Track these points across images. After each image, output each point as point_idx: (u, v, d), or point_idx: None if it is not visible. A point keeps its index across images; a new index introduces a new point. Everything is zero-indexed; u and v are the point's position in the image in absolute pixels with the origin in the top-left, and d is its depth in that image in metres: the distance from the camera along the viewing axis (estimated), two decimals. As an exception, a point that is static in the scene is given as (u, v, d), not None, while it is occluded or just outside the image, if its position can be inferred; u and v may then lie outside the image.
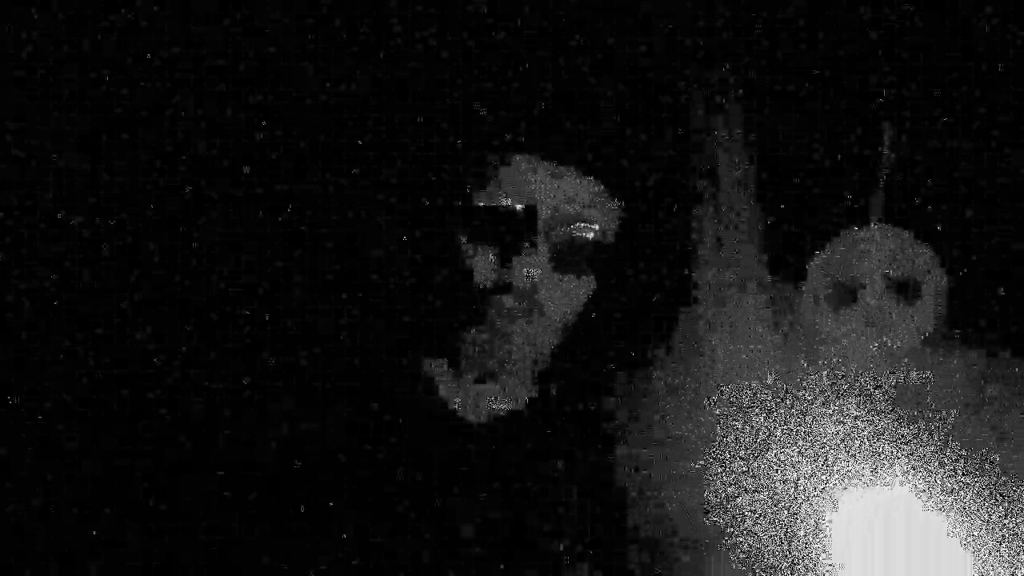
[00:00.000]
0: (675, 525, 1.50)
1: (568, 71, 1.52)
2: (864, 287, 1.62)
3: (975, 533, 1.50)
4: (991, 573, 1.49)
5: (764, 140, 1.63)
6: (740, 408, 1.56)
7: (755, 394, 1.57)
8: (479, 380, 1.53)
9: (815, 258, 1.65)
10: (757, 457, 1.54)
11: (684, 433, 1.53)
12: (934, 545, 1.50)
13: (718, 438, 1.54)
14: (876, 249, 1.62)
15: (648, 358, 1.57)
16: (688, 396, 1.56)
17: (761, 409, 1.56)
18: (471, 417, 1.53)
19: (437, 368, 1.54)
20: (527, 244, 1.50)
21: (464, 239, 1.52)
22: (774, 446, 1.55)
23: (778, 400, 1.58)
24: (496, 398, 1.54)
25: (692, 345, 1.58)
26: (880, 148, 1.64)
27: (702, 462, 1.52)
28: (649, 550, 1.51)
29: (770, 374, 1.59)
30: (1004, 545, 1.50)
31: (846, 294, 1.63)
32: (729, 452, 1.53)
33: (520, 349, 1.53)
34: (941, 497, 1.53)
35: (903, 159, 1.64)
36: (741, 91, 1.62)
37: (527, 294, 1.51)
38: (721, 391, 1.56)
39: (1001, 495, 1.54)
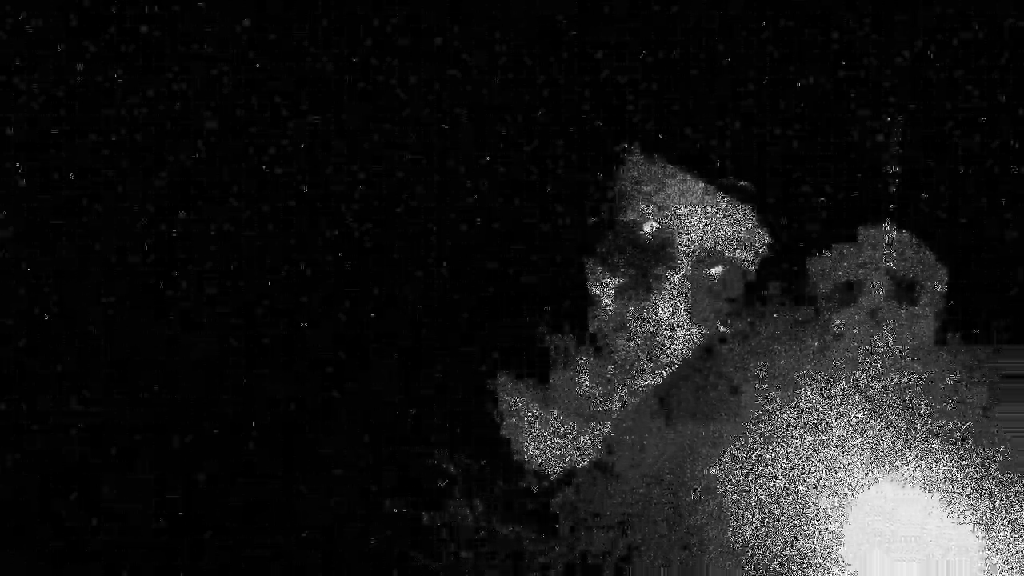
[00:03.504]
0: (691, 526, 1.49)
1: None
2: (865, 287, 1.62)
3: (977, 532, 1.50)
4: (994, 572, 1.48)
5: (765, 140, 1.63)
6: (743, 409, 1.55)
7: (759, 395, 1.57)
8: (564, 426, 1.38)
9: (815, 258, 1.64)
10: (760, 457, 1.54)
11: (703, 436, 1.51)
12: (936, 544, 1.50)
13: (725, 440, 1.53)
14: (876, 249, 1.62)
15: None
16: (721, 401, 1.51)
17: (764, 410, 1.56)
18: (550, 464, 1.41)
19: (520, 403, 1.40)
20: (659, 278, 1.30)
21: (590, 260, 1.33)
22: (776, 445, 1.55)
23: (780, 400, 1.58)
24: (579, 447, 1.40)
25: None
26: (883, 148, 1.64)
27: (714, 464, 1.51)
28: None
29: (772, 375, 1.59)
30: (1005, 544, 1.50)
31: (847, 294, 1.63)
32: (733, 452, 1.53)
33: (618, 398, 1.36)
34: (942, 496, 1.53)
35: (906, 159, 1.64)
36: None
37: (647, 340, 1.33)
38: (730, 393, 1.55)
39: (1003, 494, 1.54)
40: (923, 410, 1.60)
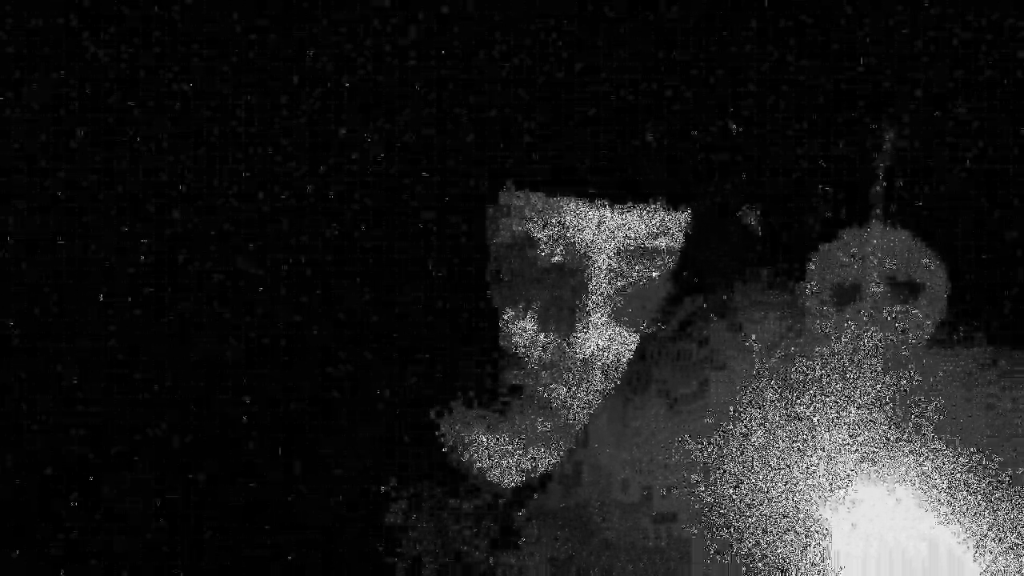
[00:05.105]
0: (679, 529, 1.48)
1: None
2: (864, 287, 1.62)
3: (976, 534, 1.50)
4: (992, 574, 1.48)
5: (764, 138, 1.63)
6: (739, 410, 1.55)
7: (754, 395, 1.57)
8: (513, 440, 1.36)
9: (815, 258, 1.64)
10: (756, 458, 1.54)
11: (688, 436, 1.51)
12: (935, 546, 1.50)
13: (718, 440, 1.53)
14: (876, 249, 1.62)
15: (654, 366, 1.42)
16: (694, 402, 1.51)
17: (760, 410, 1.56)
18: (502, 479, 1.40)
19: (463, 428, 1.40)
20: (579, 302, 1.24)
21: (500, 306, 1.28)
22: (773, 447, 1.55)
23: (777, 400, 1.58)
24: (534, 459, 1.38)
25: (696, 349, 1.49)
26: (881, 147, 1.64)
27: (703, 465, 1.51)
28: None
29: (769, 374, 1.59)
30: (1005, 546, 1.50)
31: (846, 294, 1.63)
32: (729, 454, 1.53)
33: (563, 410, 1.32)
34: (942, 498, 1.53)
35: (904, 158, 1.64)
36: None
37: (585, 365, 1.28)
38: (721, 393, 1.55)
39: (1003, 496, 1.54)
40: (922, 411, 1.59)
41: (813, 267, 1.64)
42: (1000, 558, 1.49)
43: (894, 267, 1.62)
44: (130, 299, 1.59)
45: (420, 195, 1.43)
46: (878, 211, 1.63)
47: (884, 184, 1.63)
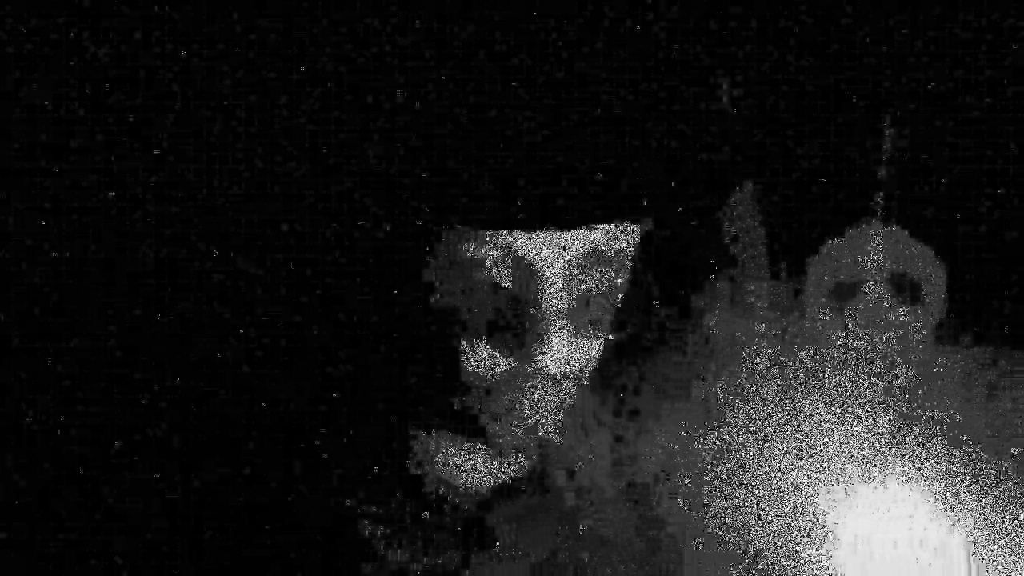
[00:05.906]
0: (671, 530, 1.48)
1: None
2: (864, 286, 1.62)
3: (976, 534, 1.50)
4: (993, 574, 1.48)
5: (763, 138, 1.63)
6: (738, 409, 1.55)
7: (753, 394, 1.57)
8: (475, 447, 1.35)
9: (815, 257, 1.64)
10: (755, 458, 1.54)
11: (685, 435, 1.51)
12: (935, 547, 1.50)
13: (716, 440, 1.53)
14: (876, 249, 1.62)
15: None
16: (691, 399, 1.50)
17: (759, 409, 1.56)
18: (469, 485, 1.40)
19: (431, 437, 1.39)
20: (535, 328, 1.21)
21: (463, 342, 1.27)
22: (773, 446, 1.55)
23: (777, 400, 1.58)
24: (496, 467, 1.38)
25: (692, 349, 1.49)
26: (881, 146, 1.64)
27: (700, 463, 1.51)
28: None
29: (769, 374, 1.59)
30: (1005, 546, 1.50)
31: (846, 293, 1.63)
32: (727, 453, 1.53)
33: (529, 420, 1.29)
34: (942, 498, 1.53)
35: (904, 158, 1.64)
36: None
37: (548, 378, 1.25)
38: (719, 392, 1.55)
39: (1002, 496, 1.54)
40: (921, 411, 1.59)
41: (813, 266, 1.64)
42: (999, 559, 1.49)
43: (894, 267, 1.62)
44: (130, 299, 1.59)
45: (420, 195, 1.43)
46: (878, 211, 1.63)
47: (884, 184, 1.63)
